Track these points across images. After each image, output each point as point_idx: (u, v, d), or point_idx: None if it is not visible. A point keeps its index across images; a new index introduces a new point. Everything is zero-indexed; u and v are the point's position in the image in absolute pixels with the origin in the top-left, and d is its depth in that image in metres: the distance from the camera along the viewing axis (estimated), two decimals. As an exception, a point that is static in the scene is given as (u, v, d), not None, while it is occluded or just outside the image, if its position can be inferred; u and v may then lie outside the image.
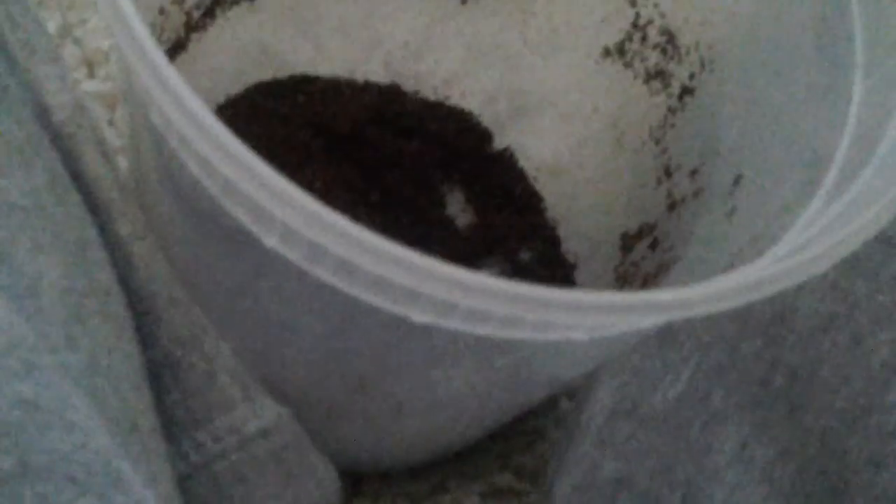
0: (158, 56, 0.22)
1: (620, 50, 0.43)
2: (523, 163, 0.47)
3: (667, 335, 0.40)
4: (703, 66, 0.39)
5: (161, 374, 0.29)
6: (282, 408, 0.31)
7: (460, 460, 0.44)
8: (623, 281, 0.41)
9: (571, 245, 0.46)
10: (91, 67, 0.46)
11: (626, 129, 0.44)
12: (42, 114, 0.27)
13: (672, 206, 0.40)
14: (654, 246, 0.40)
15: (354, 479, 0.42)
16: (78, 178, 0.27)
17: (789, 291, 0.35)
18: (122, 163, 0.41)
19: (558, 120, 0.46)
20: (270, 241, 0.23)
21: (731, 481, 0.37)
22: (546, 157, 0.47)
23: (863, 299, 0.37)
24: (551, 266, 0.45)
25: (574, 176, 0.46)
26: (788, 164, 0.32)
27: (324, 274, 0.23)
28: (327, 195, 0.36)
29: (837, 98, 0.31)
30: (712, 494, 0.37)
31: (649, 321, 0.25)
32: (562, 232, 0.47)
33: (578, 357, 0.32)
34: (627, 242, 0.43)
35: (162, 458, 0.26)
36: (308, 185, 0.41)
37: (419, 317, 0.23)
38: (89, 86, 0.45)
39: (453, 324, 0.23)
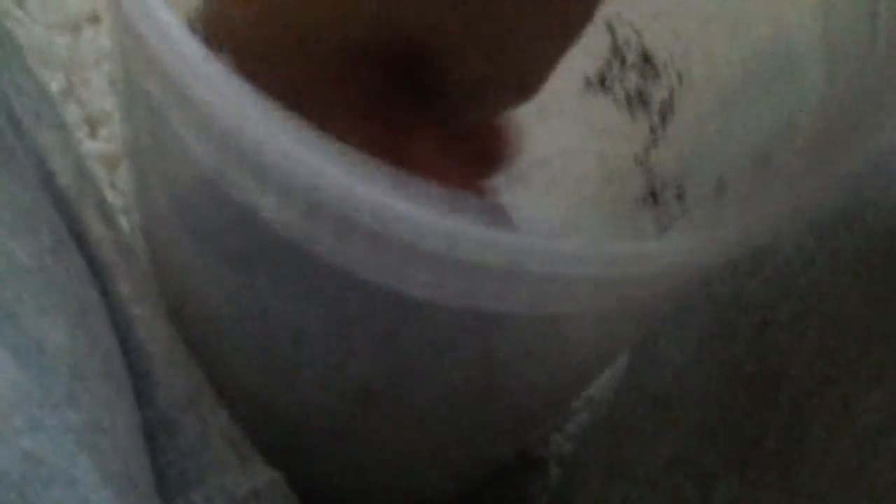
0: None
1: (601, 78, 0.43)
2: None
3: (658, 396, 0.40)
4: (679, 79, 0.40)
5: (157, 434, 0.29)
6: (273, 471, 0.31)
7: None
8: None
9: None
10: (93, 127, 0.47)
11: (613, 164, 0.44)
12: (46, 178, 0.28)
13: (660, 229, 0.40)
14: None
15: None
16: (81, 240, 0.28)
17: (781, 355, 0.36)
18: (123, 222, 0.41)
19: (550, 185, 0.46)
20: (268, 202, 0.22)
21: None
22: (540, 219, 0.47)
23: (853, 360, 0.37)
24: None
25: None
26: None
27: (321, 239, 0.22)
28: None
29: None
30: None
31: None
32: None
33: (575, 344, 0.32)
34: None
35: None
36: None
37: (413, 290, 0.22)
38: (91, 146, 0.46)
39: (447, 298, 0.22)
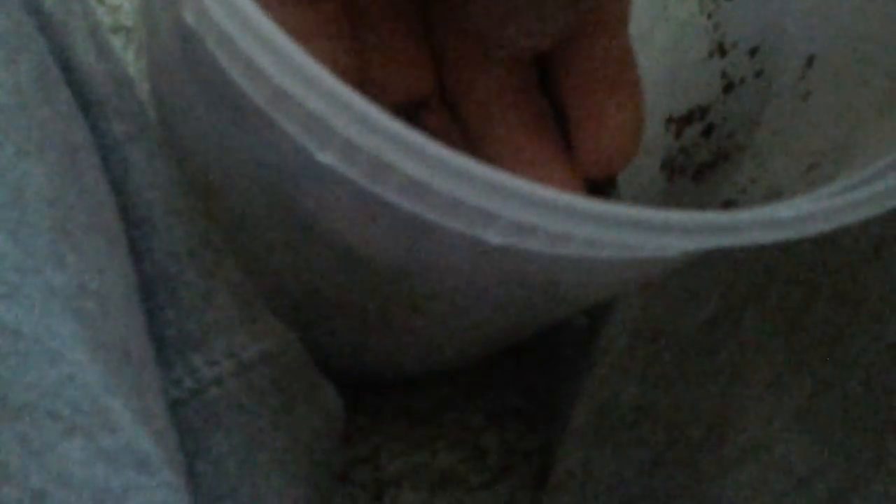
0: None
1: None
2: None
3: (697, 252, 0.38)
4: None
5: (155, 290, 0.26)
6: (286, 330, 0.29)
7: (468, 377, 0.42)
8: (671, 170, 0.39)
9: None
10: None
11: (669, 3, 0.41)
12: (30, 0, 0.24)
13: (728, 88, 0.37)
14: (708, 132, 0.37)
15: (353, 394, 0.40)
16: (69, 71, 0.25)
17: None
18: (114, 44, 0.38)
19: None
20: (326, 157, 0.20)
21: (763, 415, 0.35)
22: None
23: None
24: None
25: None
26: (874, 49, 0.29)
27: (388, 193, 0.21)
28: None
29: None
30: (742, 428, 0.35)
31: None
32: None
33: (615, 273, 0.30)
34: (675, 127, 0.39)
35: (155, 390, 0.24)
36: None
37: (494, 239, 0.21)
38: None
39: (532, 245, 0.21)
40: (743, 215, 0.22)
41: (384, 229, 0.25)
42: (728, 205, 0.33)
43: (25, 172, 0.21)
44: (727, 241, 0.23)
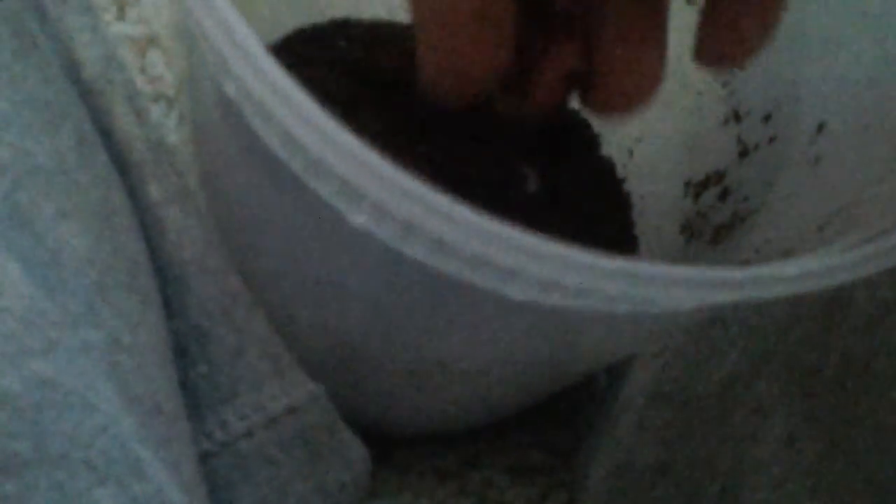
0: (241, 26, 0.21)
1: None
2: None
3: (713, 316, 0.38)
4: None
5: (188, 346, 0.27)
6: (313, 384, 0.29)
7: (492, 434, 0.42)
8: (690, 233, 0.39)
9: (631, 193, 0.44)
10: (122, 9, 0.44)
11: (688, 69, 0.41)
12: (71, 68, 0.25)
13: (743, 153, 0.38)
14: (724, 196, 0.38)
15: (383, 450, 0.41)
16: (108, 137, 0.26)
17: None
18: (154, 112, 0.39)
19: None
20: (358, 219, 0.22)
21: (777, 475, 0.36)
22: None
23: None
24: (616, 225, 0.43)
25: (632, 124, 0.44)
26: (880, 117, 0.30)
27: (417, 253, 0.22)
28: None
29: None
30: (755, 487, 0.36)
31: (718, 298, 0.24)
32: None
33: (634, 328, 0.31)
34: (693, 191, 0.40)
35: (185, 442, 0.25)
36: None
37: (518, 295, 0.22)
38: (119, 28, 0.43)
39: (553, 300, 0.22)
40: (753, 271, 0.23)
41: (412, 287, 0.26)
42: (743, 265, 0.33)
43: (64, 233, 0.22)
44: (738, 295, 0.24)
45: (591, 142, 0.44)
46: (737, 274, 0.23)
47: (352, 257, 0.26)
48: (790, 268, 0.24)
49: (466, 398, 0.37)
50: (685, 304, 0.23)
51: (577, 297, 0.22)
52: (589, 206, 0.43)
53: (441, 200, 0.21)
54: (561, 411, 0.44)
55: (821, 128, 0.34)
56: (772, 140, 0.36)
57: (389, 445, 0.41)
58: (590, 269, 0.22)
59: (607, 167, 0.44)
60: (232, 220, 0.31)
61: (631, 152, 0.44)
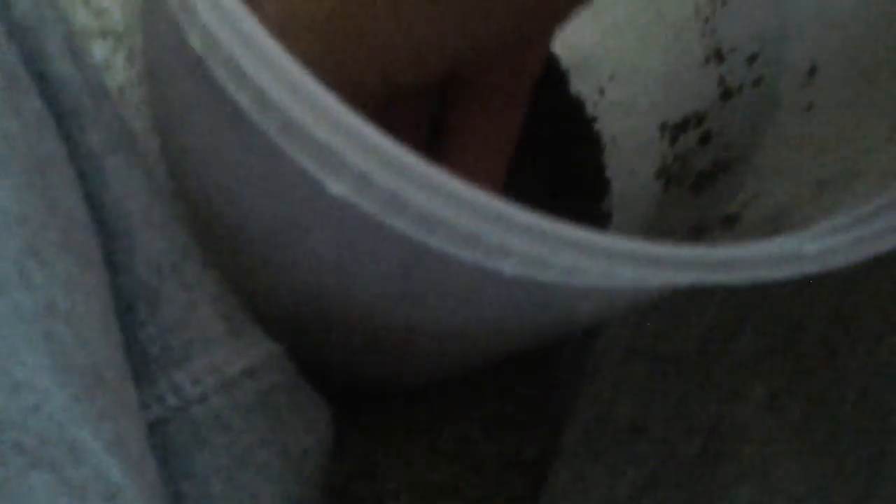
0: None
1: None
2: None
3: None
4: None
5: (135, 304, 0.26)
6: (272, 343, 0.28)
7: (463, 385, 0.41)
8: (668, 179, 0.38)
9: (602, 134, 0.42)
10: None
11: (665, 6, 0.40)
12: (0, 4, 0.23)
13: (726, 95, 0.36)
14: (705, 141, 0.36)
15: (349, 406, 0.40)
16: (41, 80, 0.24)
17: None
18: (100, 50, 0.37)
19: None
20: (339, 188, 0.20)
21: (759, 435, 0.35)
22: (574, 45, 0.42)
23: None
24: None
25: (605, 60, 0.42)
26: (875, 74, 0.29)
27: (402, 225, 0.20)
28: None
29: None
30: (736, 447, 0.35)
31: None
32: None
33: (625, 297, 0.30)
34: (670, 133, 0.39)
35: (131, 413, 0.23)
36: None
37: (509, 270, 0.21)
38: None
39: (547, 276, 0.21)
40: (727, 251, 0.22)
41: (391, 257, 0.25)
42: (729, 220, 0.32)
43: None
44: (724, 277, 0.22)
45: (559, 79, 0.43)
46: (727, 251, 0.22)
47: (323, 221, 0.25)
48: (780, 246, 0.22)
49: (438, 357, 0.36)
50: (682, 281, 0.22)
51: (571, 273, 0.21)
52: (557, 147, 0.42)
53: (430, 171, 0.19)
54: (535, 363, 0.43)
55: (813, 71, 0.32)
56: (757, 82, 0.35)
57: (356, 401, 0.40)
58: (586, 248, 0.20)
59: (576, 106, 0.43)
60: (188, 167, 0.29)
61: (602, 91, 0.42)
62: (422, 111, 0.30)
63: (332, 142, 0.19)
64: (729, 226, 0.31)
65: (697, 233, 0.32)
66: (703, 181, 0.35)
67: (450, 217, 0.19)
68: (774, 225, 0.28)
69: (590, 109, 0.42)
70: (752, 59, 0.35)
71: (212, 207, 0.29)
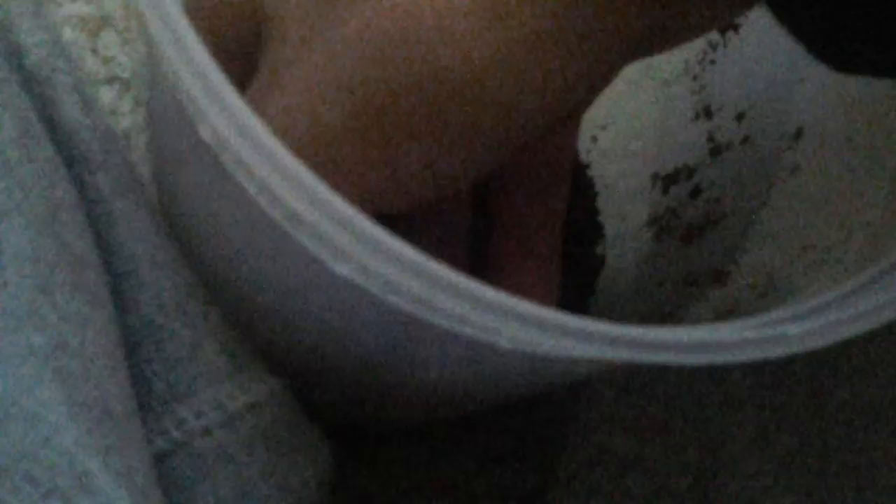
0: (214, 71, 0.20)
1: None
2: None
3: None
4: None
5: (141, 342, 0.26)
6: (274, 380, 0.28)
7: (460, 421, 0.42)
8: (659, 229, 0.38)
9: (598, 188, 0.43)
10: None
11: (655, 61, 0.40)
12: (13, 56, 0.24)
13: (715, 152, 0.37)
14: (695, 194, 0.37)
15: (349, 441, 0.40)
16: (52, 126, 0.25)
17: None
18: (106, 95, 0.38)
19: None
20: (341, 268, 0.21)
21: (748, 468, 0.35)
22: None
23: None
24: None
25: (597, 108, 0.43)
26: (864, 130, 0.29)
27: (401, 305, 0.21)
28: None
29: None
30: (726, 481, 0.35)
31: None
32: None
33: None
34: (661, 184, 0.39)
35: (138, 446, 0.24)
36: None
37: (506, 345, 0.21)
38: (70, 8, 0.42)
39: (543, 351, 0.22)
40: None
41: (391, 326, 0.26)
42: (719, 275, 0.33)
43: (5, 232, 0.21)
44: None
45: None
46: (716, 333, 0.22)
47: (326, 292, 0.26)
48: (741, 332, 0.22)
49: (434, 405, 0.37)
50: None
51: (563, 350, 0.22)
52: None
53: (426, 262, 0.20)
54: (529, 397, 0.43)
55: (799, 133, 0.33)
56: (745, 140, 0.35)
57: (355, 435, 0.40)
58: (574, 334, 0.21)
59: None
60: (185, 216, 0.30)
61: (595, 139, 0.43)
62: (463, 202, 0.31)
63: (333, 234, 0.20)
64: (720, 281, 0.32)
65: (688, 285, 0.33)
66: (694, 233, 0.36)
67: (442, 301, 0.20)
68: (762, 288, 0.29)
69: (583, 156, 0.42)
70: (740, 117, 0.36)
71: (203, 258, 0.29)
